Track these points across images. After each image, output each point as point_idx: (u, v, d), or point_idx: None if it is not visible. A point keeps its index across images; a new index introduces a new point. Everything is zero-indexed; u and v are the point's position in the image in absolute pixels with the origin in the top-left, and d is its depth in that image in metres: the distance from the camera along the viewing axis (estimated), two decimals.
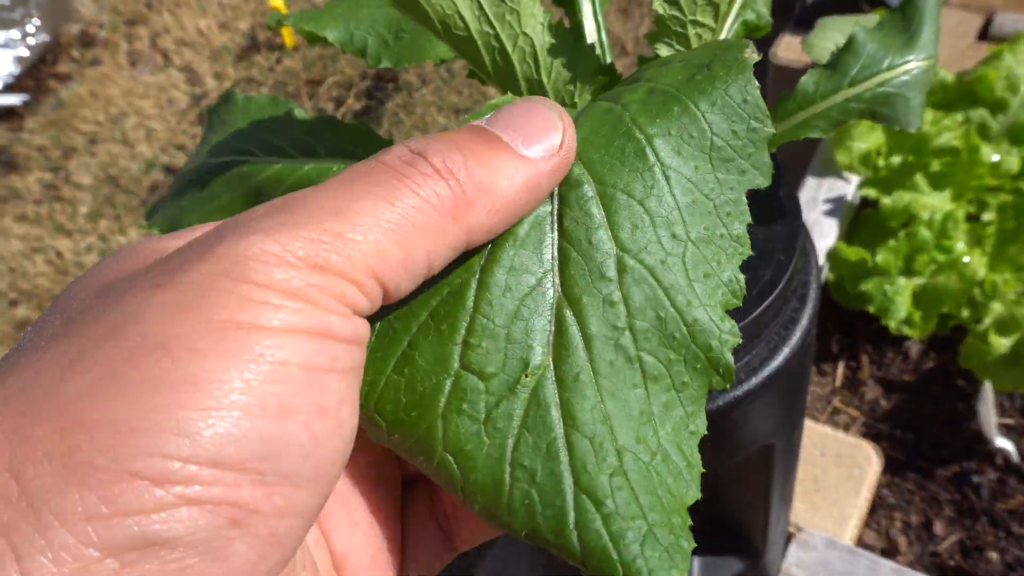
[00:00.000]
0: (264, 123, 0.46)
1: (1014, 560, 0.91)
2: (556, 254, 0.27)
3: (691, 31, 0.40)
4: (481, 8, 0.41)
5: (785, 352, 0.50)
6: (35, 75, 2.26)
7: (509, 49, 0.42)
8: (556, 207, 0.28)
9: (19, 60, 2.20)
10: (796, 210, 0.50)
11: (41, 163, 2.15)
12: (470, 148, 0.25)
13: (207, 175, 0.46)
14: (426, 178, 0.24)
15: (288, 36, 2.29)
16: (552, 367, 0.26)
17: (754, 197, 0.50)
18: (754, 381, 0.49)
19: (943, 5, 1.30)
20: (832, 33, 0.48)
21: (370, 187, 0.23)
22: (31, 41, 2.21)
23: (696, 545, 0.28)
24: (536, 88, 0.44)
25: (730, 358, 0.26)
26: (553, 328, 0.26)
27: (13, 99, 2.17)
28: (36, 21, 2.19)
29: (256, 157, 0.45)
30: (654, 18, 0.40)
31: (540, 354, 0.26)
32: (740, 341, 0.27)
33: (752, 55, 0.28)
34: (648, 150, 0.27)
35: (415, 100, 2.11)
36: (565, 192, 0.28)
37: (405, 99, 2.12)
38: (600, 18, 0.52)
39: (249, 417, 0.20)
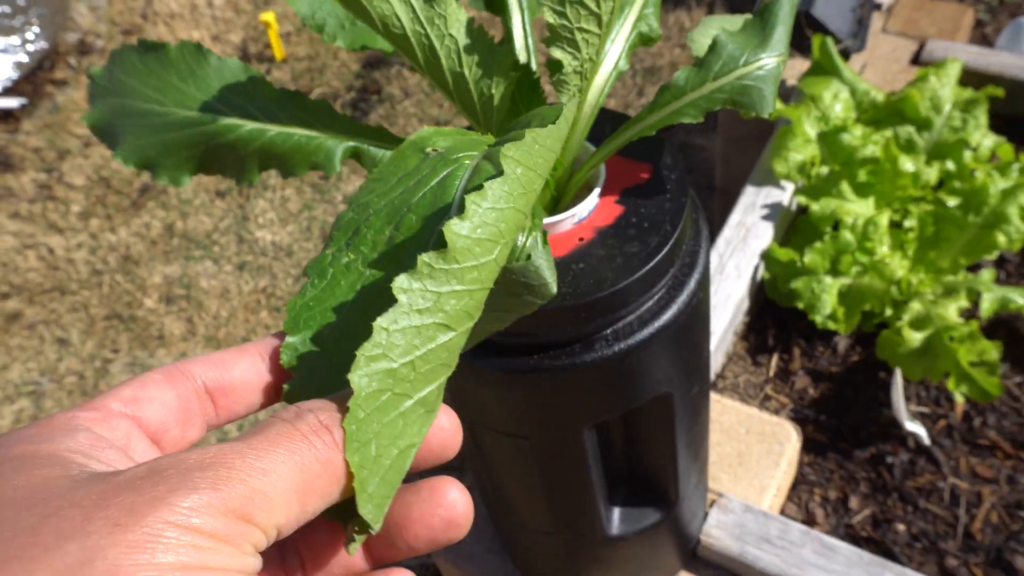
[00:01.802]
0: (237, 86, 0.55)
1: (919, 532, 1.00)
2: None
3: (578, 36, 0.49)
4: (414, 11, 0.50)
5: (673, 309, 0.59)
6: (33, 80, 2.35)
7: (437, 47, 0.51)
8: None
9: (18, 65, 2.29)
10: (684, 189, 0.59)
11: (36, 164, 2.23)
12: None
13: (153, 115, 0.55)
14: (327, 447, 0.30)
15: (278, 49, 2.38)
16: None
17: (648, 181, 0.60)
18: (645, 332, 0.58)
19: (882, 32, 1.41)
20: (711, 30, 0.58)
21: (288, 455, 0.29)
22: (30, 48, 2.30)
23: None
24: (460, 80, 0.53)
25: None
26: None
27: (11, 102, 2.26)
28: (36, 29, 2.28)
29: (224, 116, 0.54)
30: (546, 25, 0.49)
31: None
32: None
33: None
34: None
35: (397, 111, 2.21)
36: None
37: (388, 110, 2.22)
38: (527, 25, 0.62)
39: None
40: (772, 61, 0.52)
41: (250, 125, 0.55)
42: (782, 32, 0.53)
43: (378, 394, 0.31)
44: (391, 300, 0.32)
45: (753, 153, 1.32)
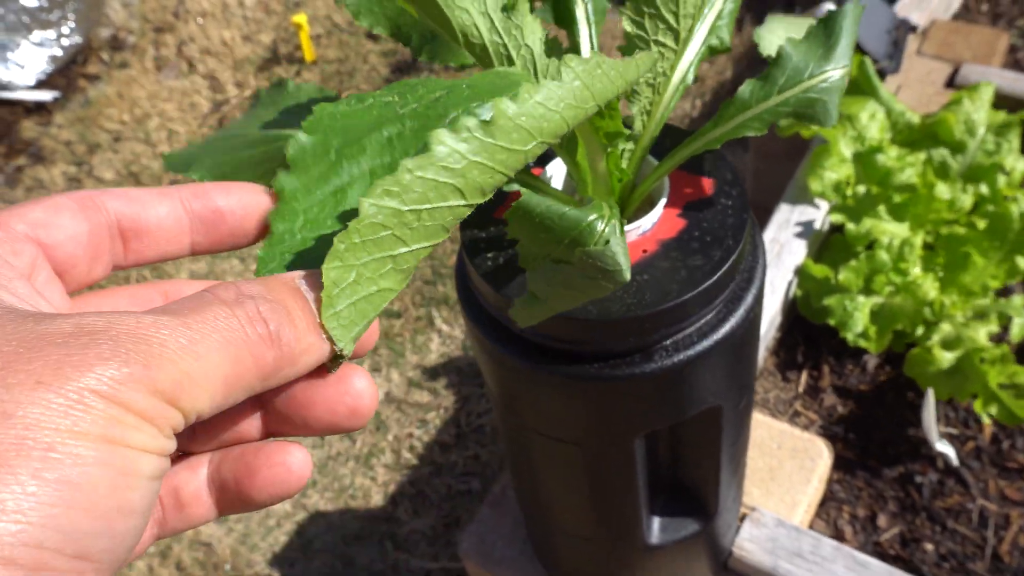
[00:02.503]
0: (309, 105, 0.57)
1: (947, 552, 1.00)
2: None
3: (654, 48, 0.51)
4: (492, 22, 0.52)
5: (731, 322, 0.60)
6: (66, 74, 2.38)
7: (514, 56, 0.53)
8: None
9: (52, 59, 2.32)
10: (745, 205, 0.60)
11: (67, 156, 2.26)
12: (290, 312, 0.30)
13: (234, 137, 0.56)
14: (262, 340, 0.29)
15: (308, 51, 2.41)
16: None
17: (710, 196, 0.61)
18: (704, 344, 0.59)
19: (917, 55, 1.42)
20: (778, 28, 0.59)
21: (224, 344, 0.28)
22: (65, 42, 2.33)
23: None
24: None
25: None
26: None
27: (44, 95, 2.29)
28: (71, 24, 2.31)
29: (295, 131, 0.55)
30: (624, 34, 0.50)
31: None
32: None
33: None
34: None
35: None
36: None
37: None
38: (595, 39, 0.63)
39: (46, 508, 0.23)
40: (837, 73, 0.53)
41: None
42: (846, 43, 0.54)
43: (379, 227, 0.32)
44: (412, 145, 0.35)
45: (784, 170, 1.33)
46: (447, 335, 1.77)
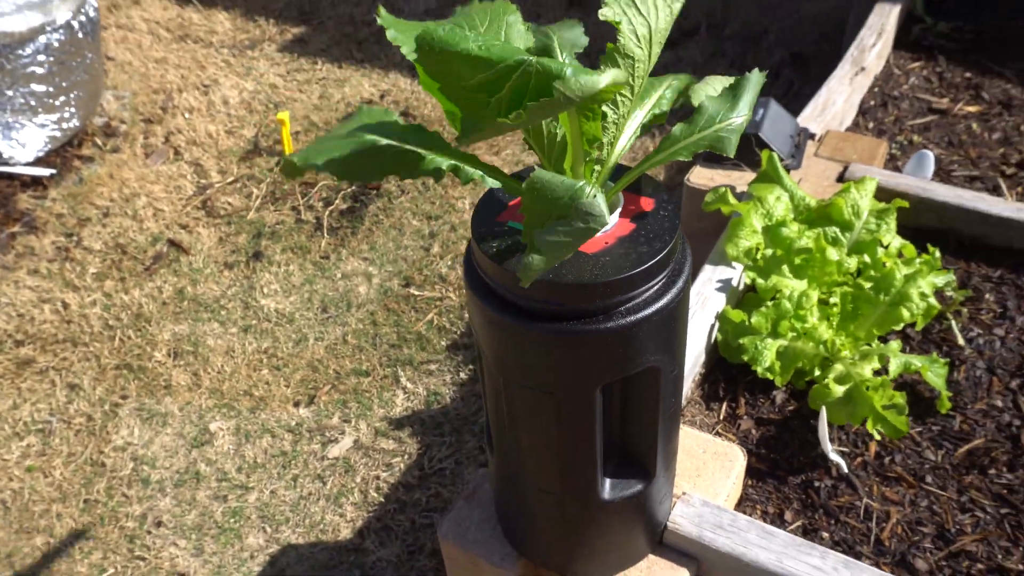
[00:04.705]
0: (381, 119, 0.80)
1: (840, 539, 1.22)
2: None
3: (618, 97, 0.76)
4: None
5: (668, 297, 0.84)
6: (62, 154, 2.58)
7: None
8: None
9: (51, 139, 2.52)
10: (677, 215, 0.85)
11: (58, 228, 2.43)
12: None
13: (339, 138, 0.79)
14: None
15: (288, 145, 2.66)
16: None
17: (652, 209, 0.85)
18: (648, 311, 0.82)
19: (815, 156, 1.73)
20: (715, 83, 0.85)
21: None
22: (64, 126, 2.54)
23: None
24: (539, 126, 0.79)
25: None
26: None
27: (42, 171, 2.48)
28: (72, 109, 2.53)
29: (376, 137, 0.78)
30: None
31: None
32: None
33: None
34: None
35: (394, 205, 2.48)
36: None
37: (385, 204, 2.49)
38: None
39: None
40: (739, 120, 0.79)
41: (393, 145, 0.80)
42: (747, 100, 0.80)
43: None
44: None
45: (709, 245, 1.60)
46: (411, 392, 1.97)
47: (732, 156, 0.76)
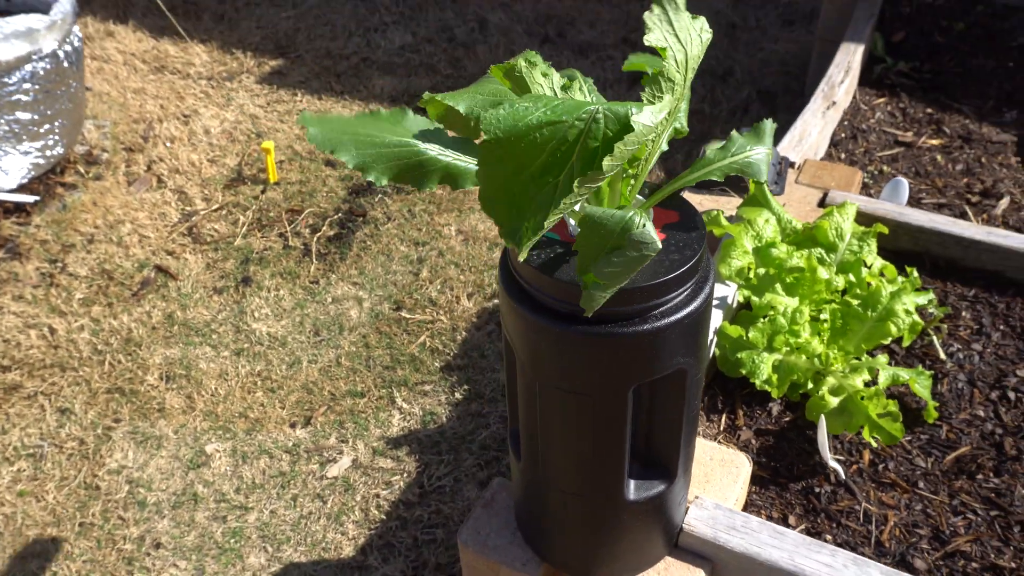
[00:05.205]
0: (427, 130, 0.86)
1: (842, 541, 1.28)
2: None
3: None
4: (555, 94, 0.82)
5: (695, 303, 0.90)
6: (45, 181, 2.58)
7: None
8: None
9: (34, 166, 2.52)
10: (703, 227, 0.91)
11: (42, 254, 2.42)
12: None
13: (366, 135, 0.84)
14: None
15: (272, 173, 2.69)
16: None
17: (680, 221, 0.92)
18: (679, 315, 0.88)
19: (796, 183, 1.82)
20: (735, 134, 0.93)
21: None
22: (48, 153, 2.54)
23: None
24: None
25: None
26: None
27: (25, 198, 2.48)
28: (56, 137, 2.54)
29: (421, 144, 0.84)
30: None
31: None
32: None
33: None
34: None
35: (381, 232, 2.52)
36: None
37: (372, 231, 2.53)
38: None
39: None
40: (763, 152, 0.87)
41: (435, 152, 0.85)
42: (768, 138, 0.88)
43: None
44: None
45: None
46: (407, 412, 2.00)
47: (763, 180, 0.83)
